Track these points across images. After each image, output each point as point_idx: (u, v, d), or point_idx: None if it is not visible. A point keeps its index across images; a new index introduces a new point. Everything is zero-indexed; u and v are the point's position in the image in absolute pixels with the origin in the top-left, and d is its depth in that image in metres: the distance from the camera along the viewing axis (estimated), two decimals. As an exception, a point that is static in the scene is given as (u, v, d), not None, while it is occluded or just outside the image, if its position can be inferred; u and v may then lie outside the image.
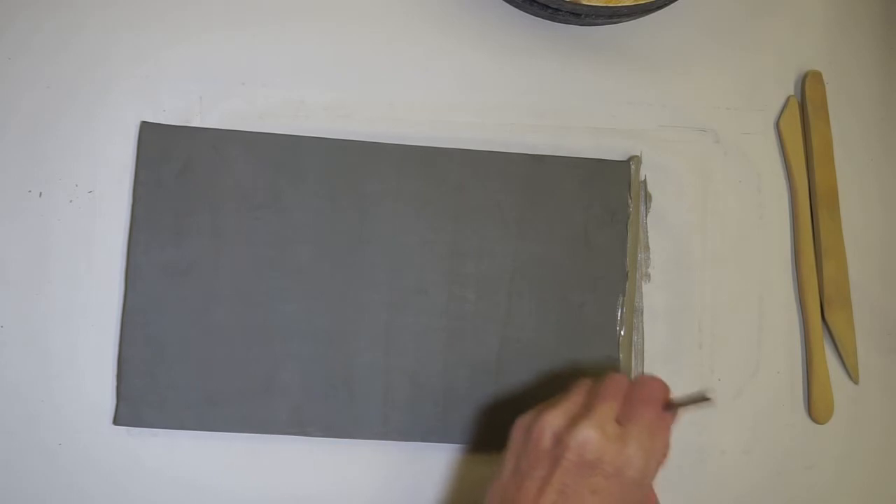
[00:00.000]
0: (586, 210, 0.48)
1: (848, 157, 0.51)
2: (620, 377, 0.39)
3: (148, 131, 0.46)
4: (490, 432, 0.46)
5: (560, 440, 0.36)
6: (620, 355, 0.47)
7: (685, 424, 0.47)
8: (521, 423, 0.38)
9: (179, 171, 0.46)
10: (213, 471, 0.45)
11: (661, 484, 0.38)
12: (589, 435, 0.35)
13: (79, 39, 0.48)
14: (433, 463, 0.46)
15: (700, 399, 0.37)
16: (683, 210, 0.50)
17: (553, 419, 0.37)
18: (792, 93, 0.52)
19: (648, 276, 0.49)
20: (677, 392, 0.39)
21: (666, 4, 0.48)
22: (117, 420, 0.44)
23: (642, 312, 0.48)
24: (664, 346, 0.48)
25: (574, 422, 0.36)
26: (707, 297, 0.49)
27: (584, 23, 0.50)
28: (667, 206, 0.50)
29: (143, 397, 0.44)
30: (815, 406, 0.48)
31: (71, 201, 0.46)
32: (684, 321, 0.49)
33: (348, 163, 0.47)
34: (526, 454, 0.37)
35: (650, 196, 0.49)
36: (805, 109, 0.51)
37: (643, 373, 0.48)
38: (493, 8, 0.50)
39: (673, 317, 0.49)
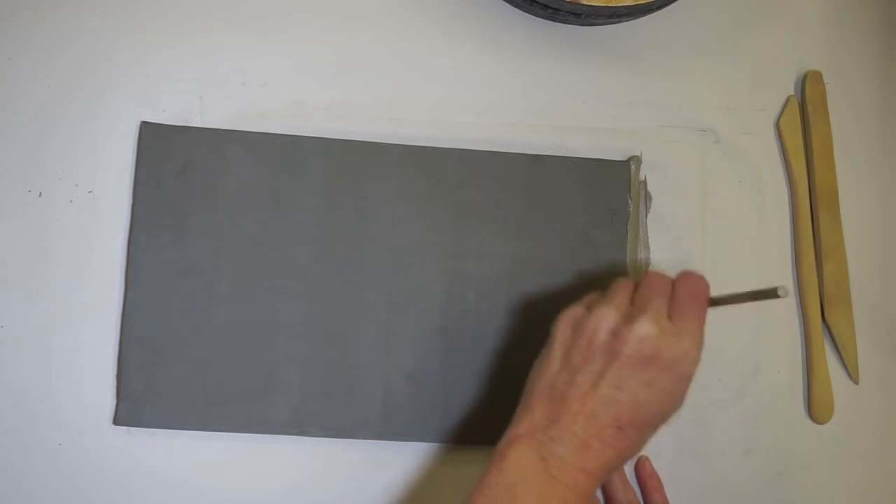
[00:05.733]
0: (586, 210, 0.48)
1: (848, 157, 0.51)
2: (661, 275, 0.39)
3: (148, 131, 0.46)
4: (490, 431, 0.46)
5: (617, 335, 0.36)
6: (620, 355, 0.47)
7: (685, 424, 0.48)
8: (568, 317, 0.38)
9: (179, 171, 0.46)
10: (213, 471, 0.45)
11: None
12: (648, 330, 0.35)
13: (79, 39, 0.48)
14: (433, 462, 0.46)
15: (764, 295, 0.35)
16: (683, 210, 0.50)
17: (608, 315, 0.37)
18: (792, 93, 0.52)
19: (648, 276, 0.49)
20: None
21: (666, 4, 0.48)
22: (117, 420, 0.44)
23: (642, 312, 0.48)
24: (664, 346, 0.48)
25: (630, 318, 0.36)
26: (707, 297, 0.49)
27: (584, 23, 0.50)
28: (667, 206, 0.50)
29: (143, 397, 0.44)
30: (815, 406, 0.48)
31: (71, 201, 0.46)
32: (684, 321, 0.49)
33: (348, 163, 0.47)
34: (577, 348, 0.37)
35: (650, 196, 0.49)
36: (805, 109, 0.51)
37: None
38: (493, 8, 0.50)
39: (673, 317, 0.49)
